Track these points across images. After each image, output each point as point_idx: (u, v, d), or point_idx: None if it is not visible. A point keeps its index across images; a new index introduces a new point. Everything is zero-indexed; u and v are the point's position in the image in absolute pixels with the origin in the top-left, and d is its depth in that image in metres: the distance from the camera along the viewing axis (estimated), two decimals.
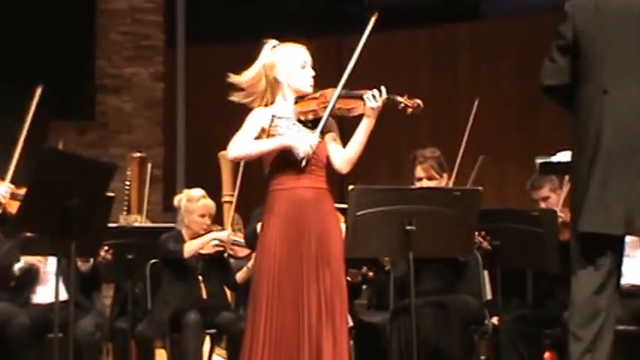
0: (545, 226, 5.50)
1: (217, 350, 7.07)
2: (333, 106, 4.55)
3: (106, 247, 6.13)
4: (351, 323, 6.11)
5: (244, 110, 4.67)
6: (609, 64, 3.99)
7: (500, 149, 10.88)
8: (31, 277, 6.18)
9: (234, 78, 4.67)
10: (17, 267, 6.13)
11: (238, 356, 4.63)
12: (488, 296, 6.33)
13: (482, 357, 6.27)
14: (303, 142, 4.49)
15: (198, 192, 6.49)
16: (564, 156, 4.47)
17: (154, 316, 6.41)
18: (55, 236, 5.07)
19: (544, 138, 9.78)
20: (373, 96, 4.53)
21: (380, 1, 11.47)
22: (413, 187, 5.65)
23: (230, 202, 7.59)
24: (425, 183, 5.76)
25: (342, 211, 5.06)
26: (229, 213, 7.55)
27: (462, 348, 5.67)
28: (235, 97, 4.68)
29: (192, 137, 11.12)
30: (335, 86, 4.57)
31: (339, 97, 4.55)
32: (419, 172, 5.81)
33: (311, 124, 4.61)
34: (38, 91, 6.02)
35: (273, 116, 4.60)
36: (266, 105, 4.66)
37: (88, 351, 5.93)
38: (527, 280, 6.14)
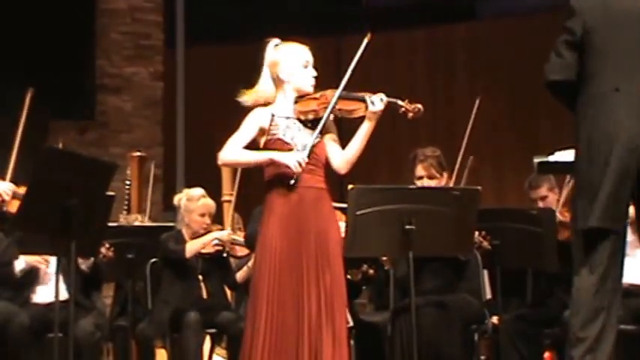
0: (543, 225, 5.51)
1: (217, 350, 7.07)
2: (334, 106, 4.56)
3: (107, 245, 6.13)
4: (351, 323, 6.11)
5: (244, 110, 4.67)
6: (620, 62, 3.98)
7: (498, 149, 10.90)
8: (32, 277, 6.18)
9: (248, 96, 4.67)
10: (18, 269, 6.13)
11: (238, 356, 4.64)
12: (488, 296, 6.34)
13: (482, 357, 6.27)
14: (293, 159, 4.48)
15: (198, 191, 6.50)
16: (562, 155, 4.47)
17: (154, 316, 6.41)
18: (55, 236, 5.07)
19: (542, 138, 9.80)
20: (375, 100, 4.54)
21: (379, 2, 11.50)
22: (412, 186, 5.65)
23: (230, 202, 7.60)
24: (425, 182, 5.76)
25: (343, 210, 5.07)
26: (229, 212, 7.56)
27: (462, 347, 5.67)
28: (245, 99, 4.69)
29: (192, 136, 11.12)
30: (334, 87, 4.58)
31: (340, 98, 4.56)
32: (419, 170, 5.81)
33: (311, 123, 4.62)
34: (29, 95, 6.02)
35: (273, 115, 4.61)
36: (265, 104, 4.67)
37: (88, 351, 5.93)
38: (526, 279, 6.14)
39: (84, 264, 6.18)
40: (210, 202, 6.50)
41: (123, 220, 7.58)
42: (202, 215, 6.42)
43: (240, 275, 6.59)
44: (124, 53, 10.85)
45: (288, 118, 4.62)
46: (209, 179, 7.33)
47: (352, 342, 6.09)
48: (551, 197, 6.13)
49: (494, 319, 6.00)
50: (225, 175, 7.77)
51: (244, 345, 4.53)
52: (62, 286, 5.39)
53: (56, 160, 5.12)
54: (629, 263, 4.12)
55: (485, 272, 6.18)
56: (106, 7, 10.75)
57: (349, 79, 4.58)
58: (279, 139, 4.59)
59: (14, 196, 5.59)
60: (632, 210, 4.17)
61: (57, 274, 5.19)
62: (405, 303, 5.46)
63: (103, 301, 7.04)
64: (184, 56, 11.33)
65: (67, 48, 10.18)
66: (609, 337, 3.97)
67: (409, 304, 5.11)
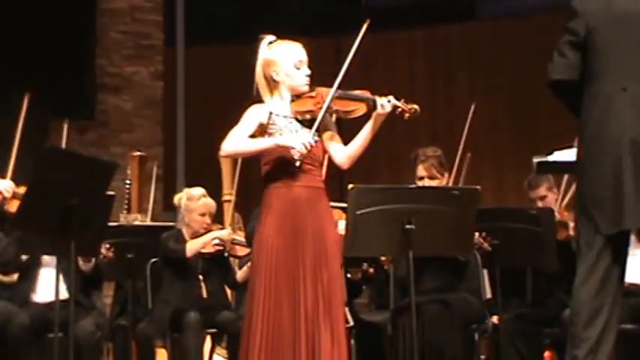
0: (543, 224, 5.52)
1: (218, 350, 7.08)
2: (328, 107, 4.56)
3: (107, 245, 6.13)
4: (351, 322, 6.12)
5: (244, 109, 4.68)
6: (625, 62, 3.98)
7: (497, 149, 10.90)
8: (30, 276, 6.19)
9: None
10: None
11: (239, 356, 4.65)
12: (488, 295, 6.34)
13: (482, 356, 6.28)
14: (298, 141, 4.50)
15: (198, 191, 6.50)
16: (561, 155, 4.48)
17: (154, 316, 6.41)
18: (55, 235, 5.07)
19: (541, 138, 9.80)
20: (384, 103, 4.54)
21: (378, 2, 11.50)
22: (412, 186, 5.66)
23: (230, 201, 7.60)
24: (426, 182, 5.76)
25: (344, 209, 5.07)
26: (229, 212, 7.57)
27: (463, 347, 5.68)
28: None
29: (192, 136, 11.13)
30: (332, 85, 4.59)
31: (337, 97, 4.57)
32: (420, 171, 5.81)
33: (308, 123, 4.62)
34: (27, 97, 6.03)
35: (271, 113, 4.61)
36: (260, 100, 4.67)
37: (89, 350, 5.92)
38: (526, 279, 6.15)
39: (85, 266, 6.17)
40: (210, 202, 6.50)
41: (123, 219, 7.58)
42: (202, 215, 6.42)
43: (240, 275, 6.59)
44: (124, 53, 10.85)
45: (285, 117, 4.63)
46: (209, 179, 7.33)
47: (353, 341, 6.10)
48: (551, 197, 6.13)
49: (494, 319, 6.01)
50: (226, 174, 7.77)
51: (242, 342, 4.55)
52: (62, 286, 5.39)
53: (56, 159, 5.13)
54: (629, 263, 4.12)
55: (485, 272, 6.19)
56: (107, 6, 10.75)
57: (343, 78, 4.58)
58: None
59: (14, 195, 5.59)
60: None
61: (57, 273, 5.19)
62: (406, 302, 5.46)
63: (103, 300, 7.05)
64: (184, 56, 11.33)
65: (67, 47, 10.18)
66: (610, 338, 3.97)
67: (410, 303, 5.12)
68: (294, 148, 4.50)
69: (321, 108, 4.57)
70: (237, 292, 6.91)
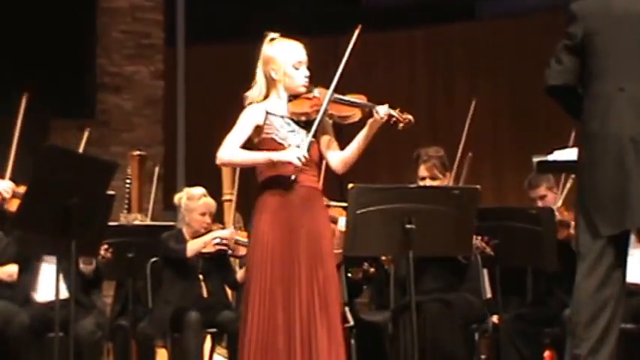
0: (543, 224, 5.52)
1: (218, 349, 7.08)
2: (325, 111, 4.56)
3: (105, 246, 6.13)
4: (352, 322, 6.12)
5: (242, 107, 4.67)
6: (622, 63, 3.99)
7: (498, 149, 10.90)
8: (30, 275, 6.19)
9: (251, 92, 4.67)
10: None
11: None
12: (488, 295, 6.35)
13: (483, 356, 6.28)
14: (293, 155, 4.48)
15: (198, 190, 6.50)
16: (561, 155, 4.48)
17: (154, 315, 6.41)
18: (55, 235, 5.07)
19: (541, 138, 9.79)
20: (381, 111, 4.55)
21: (378, 2, 11.49)
22: (412, 185, 5.66)
23: (230, 201, 7.60)
24: (428, 183, 5.76)
25: (344, 208, 5.07)
26: (230, 211, 7.56)
27: (463, 346, 5.68)
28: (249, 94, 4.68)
29: (192, 135, 11.12)
30: (330, 86, 4.58)
31: (333, 101, 4.56)
32: (422, 171, 5.81)
33: (304, 124, 4.61)
34: (25, 98, 6.03)
35: (268, 113, 4.60)
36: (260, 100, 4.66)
37: (89, 350, 5.93)
38: (526, 278, 6.15)
39: (86, 269, 6.17)
40: (210, 201, 6.50)
41: (123, 219, 7.58)
42: (203, 214, 6.42)
43: (240, 275, 6.59)
44: (125, 52, 10.84)
45: (282, 117, 4.62)
46: (209, 178, 7.33)
47: (353, 341, 6.10)
48: (551, 196, 6.14)
49: (495, 319, 6.01)
50: (226, 174, 7.77)
51: (239, 339, 4.55)
52: (62, 285, 5.38)
53: (56, 159, 5.12)
54: (629, 262, 4.12)
55: (485, 271, 6.19)
56: (107, 5, 10.75)
57: (343, 79, 4.58)
58: (273, 139, 4.59)
59: (14, 195, 5.59)
60: None
61: (57, 273, 5.19)
62: (406, 301, 5.46)
63: (103, 300, 7.05)
64: (185, 55, 11.33)
65: (67, 47, 10.18)
66: (612, 338, 3.98)
67: (410, 302, 5.12)
68: (291, 163, 4.48)
69: (317, 111, 4.56)
70: (237, 291, 6.91)
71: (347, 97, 4.61)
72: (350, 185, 4.98)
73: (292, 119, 4.62)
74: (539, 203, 6.11)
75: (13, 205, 5.43)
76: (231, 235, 6.42)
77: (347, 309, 6.24)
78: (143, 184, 8.22)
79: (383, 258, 6.11)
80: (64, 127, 9.74)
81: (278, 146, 4.57)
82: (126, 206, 7.91)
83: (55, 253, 5.28)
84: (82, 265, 6.07)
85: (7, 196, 5.64)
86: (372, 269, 6.45)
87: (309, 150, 4.53)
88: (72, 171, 4.99)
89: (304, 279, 4.49)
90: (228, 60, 10.79)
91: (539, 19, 10.45)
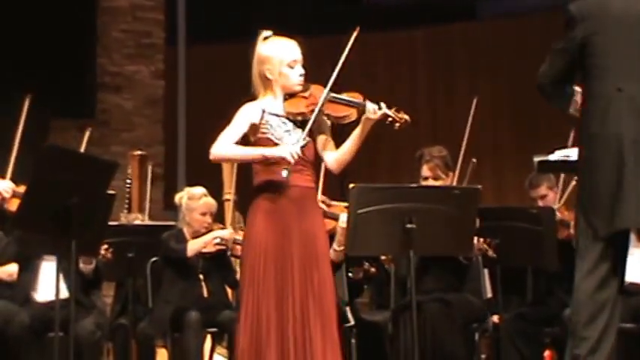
0: (543, 223, 5.52)
1: (218, 349, 7.08)
2: (320, 111, 4.55)
3: (105, 246, 6.12)
4: (352, 322, 6.13)
5: (238, 106, 4.67)
6: (622, 63, 3.99)
7: (498, 149, 10.90)
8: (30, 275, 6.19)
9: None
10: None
11: None
12: (489, 294, 6.35)
13: (483, 355, 6.28)
14: (287, 151, 4.46)
15: (199, 190, 6.50)
16: (562, 154, 4.48)
17: (154, 315, 6.41)
18: (55, 235, 5.07)
19: (542, 138, 9.80)
20: (374, 108, 4.53)
21: (379, 1, 11.49)
22: (413, 185, 5.65)
23: (230, 201, 7.60)
24: (431, 183, 5.76)
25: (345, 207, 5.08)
26: (230, 211, 7.57)
27: (463, 346, 5.68)
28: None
29: (192, 135, 11.12)
30: (327, 85, 4.57)
31: (329, 101, 4.56)
32: (425, 171, 5.81)
33: (300, 123, 4.60)
34: (27, 100, 6.03)
35: (264, 111, 4.59)
36: (255, 98, 4.65)
37: (89, 350, 5.93)
38: (527, 278, 6.15)
39: (86, 269, 6.17)
40: (211, 201, 6.50)
41: (123, 219, 7.59)
42: (203, 214, 6.42)
43: None
44: (125, 51, 10.85)
45: (278, 116, 4.61)
46: (210, 178, 7.33)
47: (353, 341, 6.11)
48: (551, 196, 6.14)
49: (495, 318, 6.01)
50: (226, 174, 7.77)
51: (234, 339, 4.56)
52: (62, 285, 5.39)
53: (56, 159, 5.12)
54: (629, 262, 4.12)
55: (486, 271, 6.19)
56: (107, 5, 10.75)
57: (341, 80, 4.57)
58: (269, 139, 4.57)
59: (14, 194, 5.59)
60: None
61: (57, 273, 5.19)
62: (407, 301, 5.47)
63: (103, 300, 7.05)
64: (185, 55, 11.33)
65: (67, 46, 10.19)
66: (611, 337, 3.98)
67: (410, 302, 5.12)
68: (284, 158, 4.45)
69: (312, 110, 4.55)
70: (237, 291, 6.91)
71: (342, 96, 4.60)
72: (351, 185, 4.99)
73: (289, 119, 4.61)
74: (540, 203, 6.11)
75: (13, 205, 5.43)
76: (230, 235, 6.42)
77: (347, 309, 6.24)
78: (143, 184, 8.22)
79: (383, 258, 6.11)
80: (64, 127, 9.76)
81: (274, 146, 4.55)
82: (126, 206, 7.92)
83: (55, 253, 5.28)
84: (82, 265, 6.06)
85: (7, 196, 5.63)
86: (372, 269, 6.45)
87: (302, 148, 4.51)
88: (72, 171, 4.99)
89: (297, 279, 4.48)
90: (229, 60, 10.79)
91: (539, 19, 10.45)
